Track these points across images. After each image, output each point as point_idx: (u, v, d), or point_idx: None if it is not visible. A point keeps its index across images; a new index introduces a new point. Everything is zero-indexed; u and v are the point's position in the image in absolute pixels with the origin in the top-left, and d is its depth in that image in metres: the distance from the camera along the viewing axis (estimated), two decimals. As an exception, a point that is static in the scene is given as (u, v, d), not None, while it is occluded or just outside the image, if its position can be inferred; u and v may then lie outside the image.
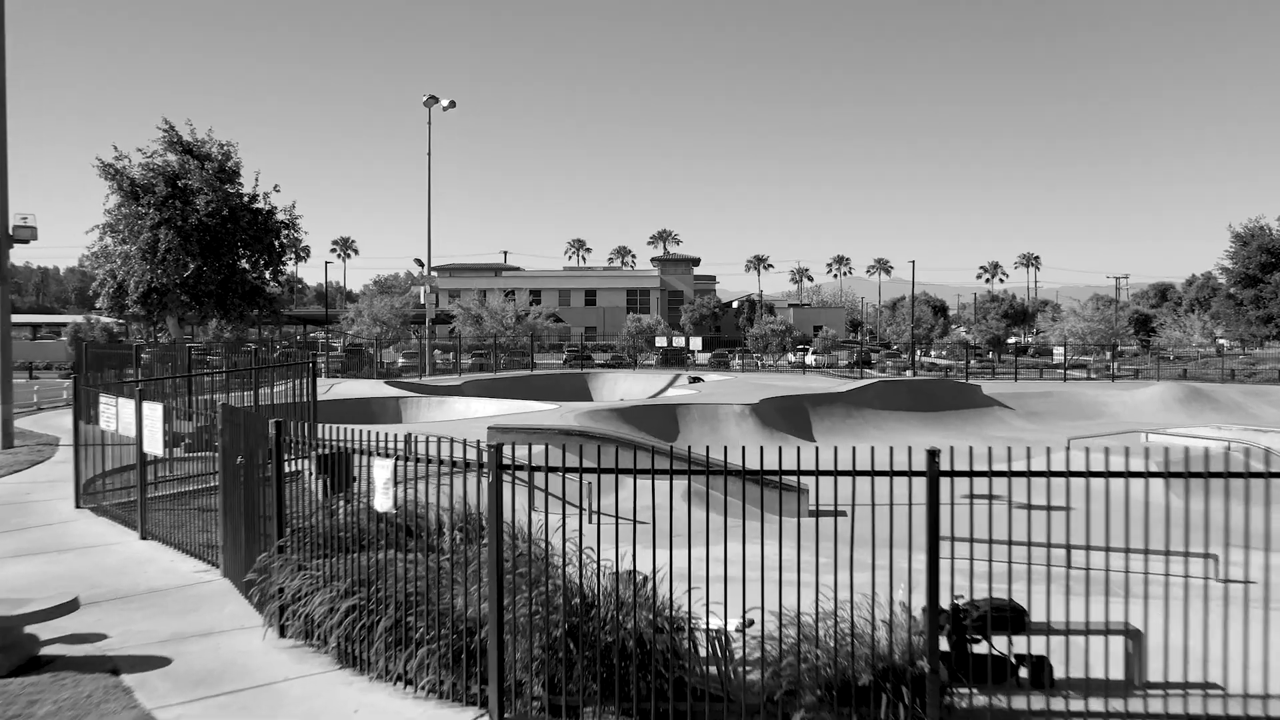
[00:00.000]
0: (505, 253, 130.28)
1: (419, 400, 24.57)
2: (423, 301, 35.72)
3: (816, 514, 14.66)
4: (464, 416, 22.70)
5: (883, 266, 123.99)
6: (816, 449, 8.58)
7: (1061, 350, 69.32)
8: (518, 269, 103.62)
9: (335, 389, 26.56)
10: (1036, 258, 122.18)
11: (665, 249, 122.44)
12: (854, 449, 9.15)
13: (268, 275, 41.31)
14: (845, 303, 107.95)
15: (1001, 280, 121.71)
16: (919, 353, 64.84)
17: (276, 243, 40.80)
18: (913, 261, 51.53)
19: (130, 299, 37.61)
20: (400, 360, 59.77)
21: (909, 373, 44.79)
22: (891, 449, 5.75)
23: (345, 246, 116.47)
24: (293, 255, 41.16)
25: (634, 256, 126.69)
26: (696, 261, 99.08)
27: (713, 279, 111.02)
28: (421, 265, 34.22)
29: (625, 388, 35.05)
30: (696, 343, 36.91)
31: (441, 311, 53.66)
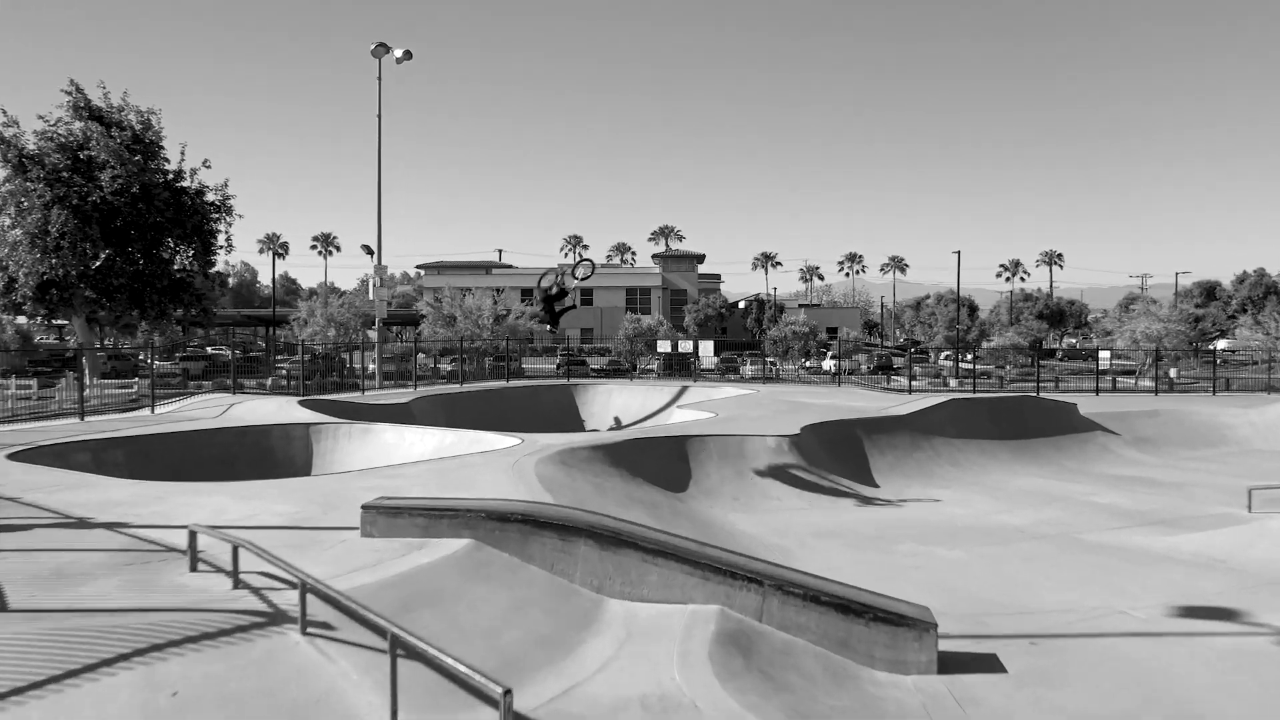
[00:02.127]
0: (500, 251, 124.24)
1: (337, 429, 18.13)
2: (371, 298, 29.38)
3: (945, 665, 8.11)
4: (386, 462, 16.33)
5: (897, 264, 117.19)
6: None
7: (1108, 355, 62.91)
8: (510, 266, 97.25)
9: (232, 411, 20.13)
10: (1059, 255, 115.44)
11: (667, 245, 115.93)
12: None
13: (192, 266, 34.92)
14: (860, 302, 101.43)
15: (1023, 279, 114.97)
16: (951, 357, 58.32)
17: (207, 228, 34.42)
18: (957, 252, 44.77)
19: (18, 294, 31.20)
20: (371, 367, 53.53)
21: (954, 381, 38.30)
22: None
23: (326, 243, 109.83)
24: (225, 244, 34.78)
25: (634, 254, 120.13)
26: (701, 258, 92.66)
27: (717, 278, 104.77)
28: (371, 253, 27.77)
29: (621, 404, 28.59)
30: (708, 347, 30.41)
31: (415, 311, 47.37)
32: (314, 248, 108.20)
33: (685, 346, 31.05)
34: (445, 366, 54.31)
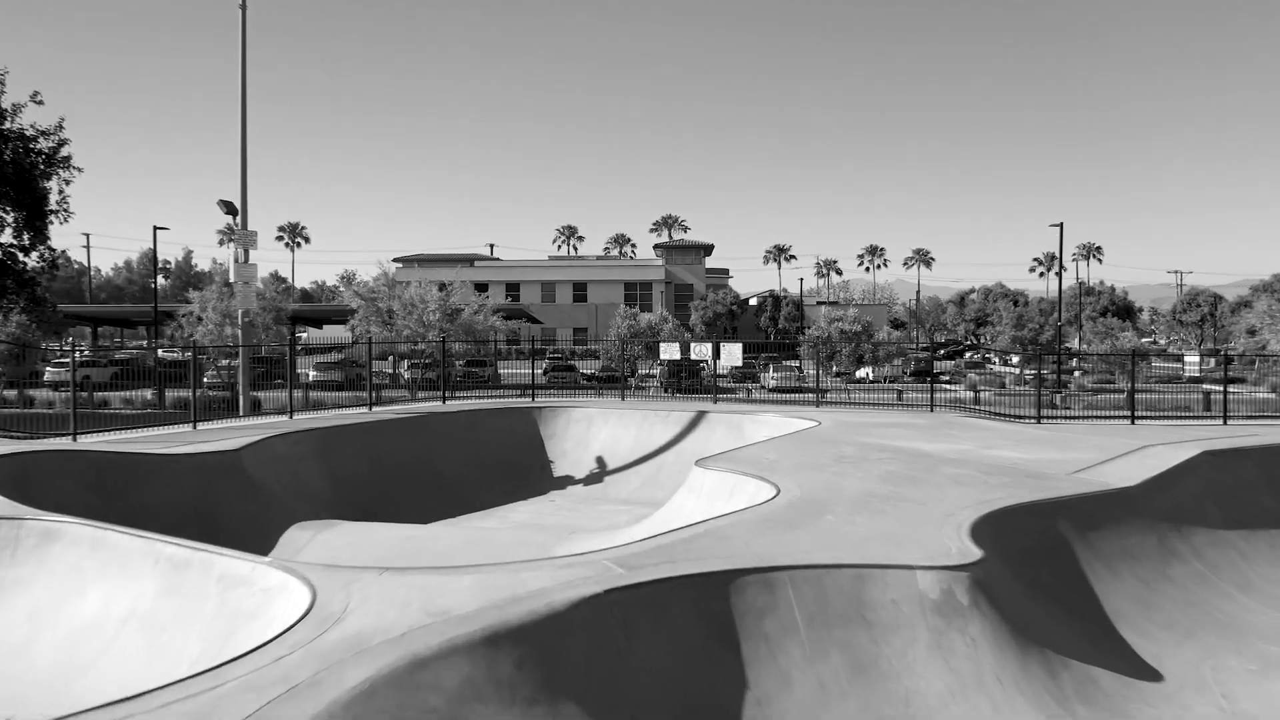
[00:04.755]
0: (492, 245, 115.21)
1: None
2: (233, 278, 20.09)
3: None
4: (34, 628, 6.87)
5: (922, 258, 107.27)
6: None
7: (1195, 359, 53.50)
8: (496, 260, 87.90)
9: None
10: (1098, 248, 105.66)
11: (670, 236, 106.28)
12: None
13: (17, 239, 25.58)
14: (883, 299, 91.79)
15: (1058, 275, 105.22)
16: (999, 360, 48.75)
17: (37, 189, 25.08)
18: (1059, 224, 35.05)
19: None
20: (312, 374, 44.25)
21: (1059, 397, 28.75)
22: None
23: (294, 233, 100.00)
24: (60, 208, 25.39)
25: (634, 246, 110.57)
26: (709, 249, 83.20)
27: (725, 272, 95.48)
28: (233, 213, 18.39)
29: (607, 438, 19.30)
30: (733, 351, 21.01)
31: (339, 304, 38.28)
32: (280, 238, 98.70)
33: (700, 351, 21.64)
34: (405, 374, 44.97)
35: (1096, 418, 20.53)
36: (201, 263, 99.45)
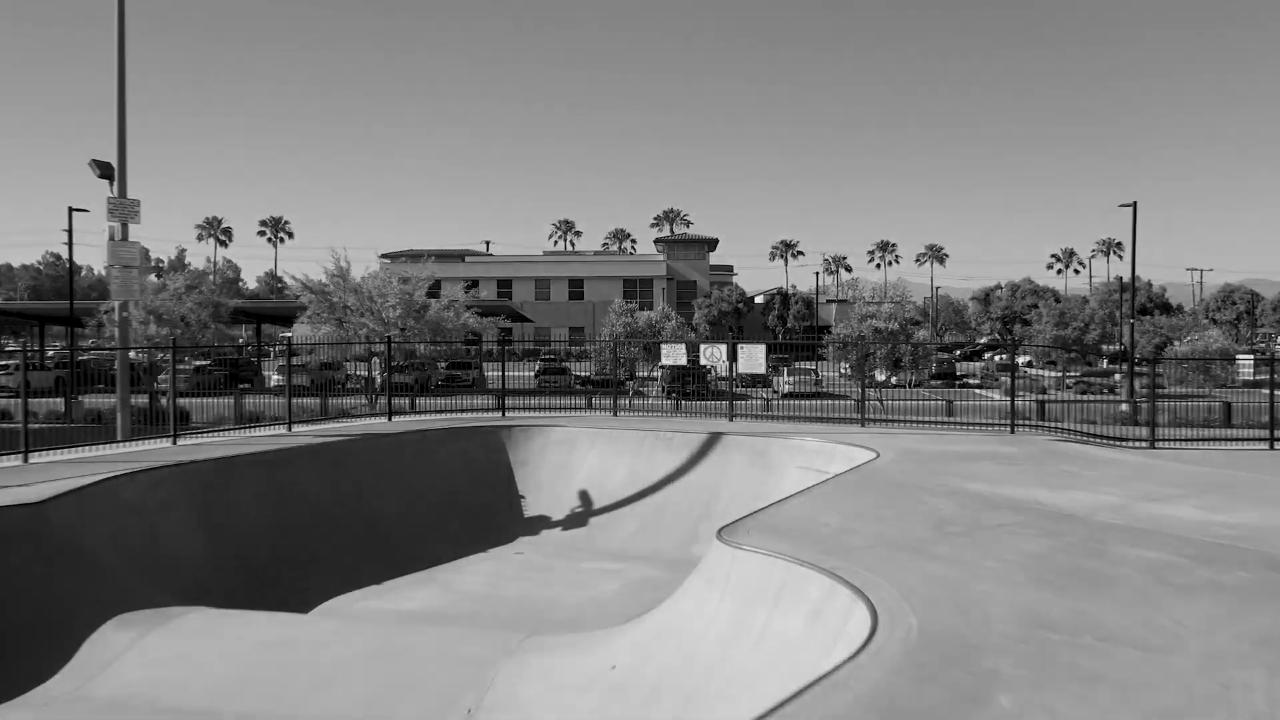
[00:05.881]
0: (488, 242, 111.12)
1: None
2: (107, 262, 15.58)
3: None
4: None
5: (935, 254, 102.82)
6: None
7: (1249, 360, 49.05)
8: (489, 255, 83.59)
9: None
10: (1119, 244, 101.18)
11: (672, 231, 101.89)
12: None
13: None
14: (895, 297, 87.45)
15: (1077, 272, 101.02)
16: (1021, 362, 44.33)
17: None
18: (1133, 203, 30.47)
19: None
20: (275, 378, 40.00)
21: (1120, 404, 24.28)
22: None
23: (276, 228, 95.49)
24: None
25: (634, 242, 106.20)
26: (713, 244, 78.86)
27: (730, 269, 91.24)
28: (108, 177, 13.72)
29: (594, 467, 15.04)
30: (757, 354, 16.64)
31: (287, 295, 34.09)
32: (262, 233, 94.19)
33: (712, 354, 17.32)
34: (388, 377, 40.56)
35: (1218, 440, 16.15)
36: (195, 260, 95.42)
